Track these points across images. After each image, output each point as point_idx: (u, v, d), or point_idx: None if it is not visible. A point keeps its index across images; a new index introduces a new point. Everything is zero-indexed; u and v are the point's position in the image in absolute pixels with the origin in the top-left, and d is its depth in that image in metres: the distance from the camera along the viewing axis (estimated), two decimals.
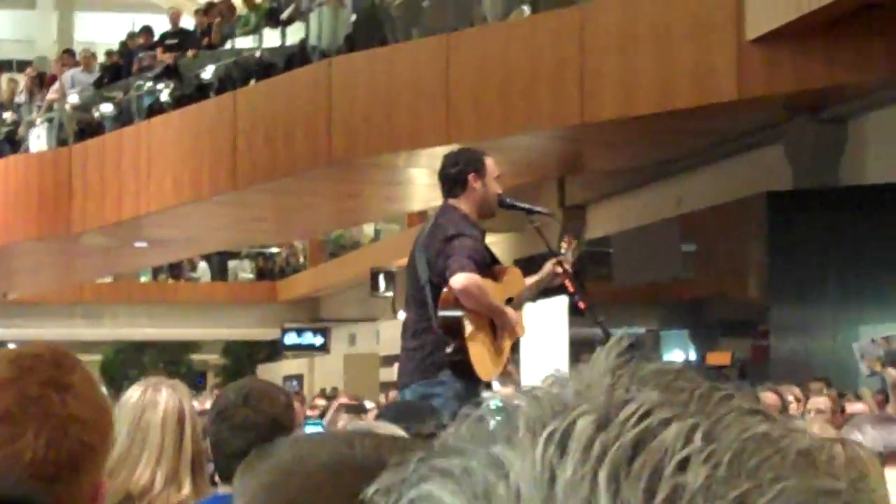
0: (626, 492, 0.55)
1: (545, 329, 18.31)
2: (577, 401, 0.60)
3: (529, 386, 0.63)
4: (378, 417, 6.01)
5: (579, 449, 0.57)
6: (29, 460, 1.77)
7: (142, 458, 3.84)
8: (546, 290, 6.96)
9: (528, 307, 6.90)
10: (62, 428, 1.80)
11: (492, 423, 0.61)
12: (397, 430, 3.44)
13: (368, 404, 12.64)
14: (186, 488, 3.92)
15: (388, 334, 24.20)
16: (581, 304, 7.05)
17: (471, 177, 6.57)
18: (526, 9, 15.29)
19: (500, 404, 0.62)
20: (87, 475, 1.73)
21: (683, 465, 0.55)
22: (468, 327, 6.42)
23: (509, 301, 6.63)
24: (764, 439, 0.58)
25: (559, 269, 6.69)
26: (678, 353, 18.29)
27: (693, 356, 17.55)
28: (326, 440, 0.98)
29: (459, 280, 6.28)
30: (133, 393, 3.99)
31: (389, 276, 27.32)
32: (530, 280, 6.82)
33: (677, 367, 0.62)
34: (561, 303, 16.82)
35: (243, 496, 0.95)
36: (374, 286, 28.03)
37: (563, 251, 6.84)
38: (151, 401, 3.94)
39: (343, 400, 12.02)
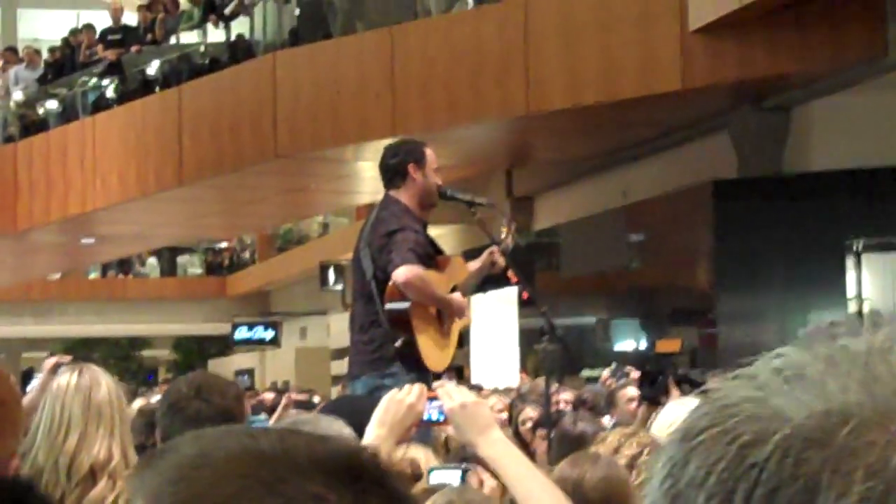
0: None
1: (495, 320, 18.34)
2: None
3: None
4: (322, 411, 6.01)
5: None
6: None
7: (98, 435, 3.98)
8: (491, 280, 6.99)
9: (479, 298, 6.95)
10: None
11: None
12: (337, 425, 3.45)
13: (316, 399, 12.63)
14: (133, 458, 4.07)
15: (339, 327, 24.17)
16: (524, 295, 7.10)
17: (411, 167, 6.59)
18: (470, 1, 15.31)
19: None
20: (3, 439, 1.73)
21: None
22: (415, 319, 6.44)
23: (454, 290, 6.66)
24: None
25: (497, 256, 6.74)
26: (629, 341, 18.38)
27: (644, 344, 17.63)
28: (228, 434, 1.00)
29: (402, 274, 6.30)
30: (69, 379, 4.10)
31: (339, 270, 27.29)
32: (471, 268, 6.86)
33: None
34: (510, 294, 16.86)
35: (143, 495, 0.95)
36: (324, 280, 28.00)
37: (502, 236, 6.89)
38: (94, 380, 4.08)
39: (292, 395, 12.01)
